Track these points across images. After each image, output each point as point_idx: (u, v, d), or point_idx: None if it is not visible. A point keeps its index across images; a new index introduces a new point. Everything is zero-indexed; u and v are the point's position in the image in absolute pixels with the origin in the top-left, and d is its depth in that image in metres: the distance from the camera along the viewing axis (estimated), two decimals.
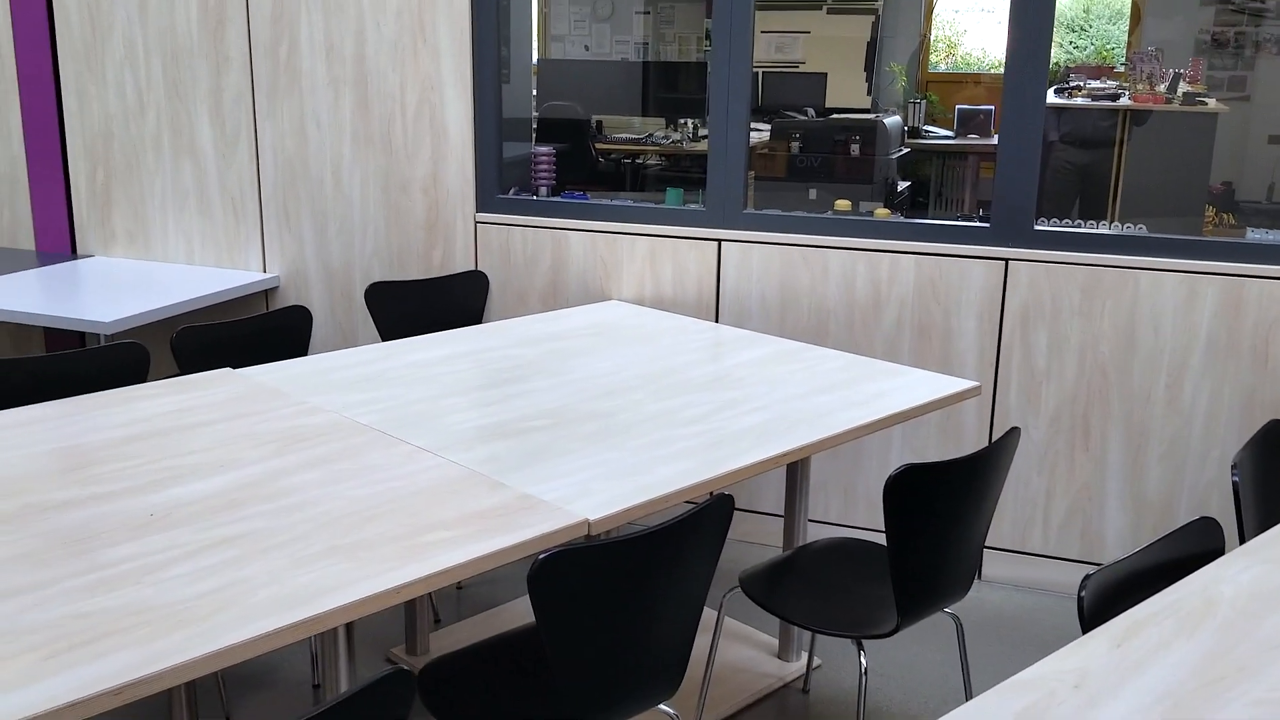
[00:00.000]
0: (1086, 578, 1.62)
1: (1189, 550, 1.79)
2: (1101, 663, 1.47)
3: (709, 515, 1.85)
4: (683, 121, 7.01)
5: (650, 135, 6.94)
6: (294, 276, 3.82)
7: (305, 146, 3.70)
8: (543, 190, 3.70)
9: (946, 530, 2.13)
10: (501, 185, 3.61)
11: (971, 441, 3.23)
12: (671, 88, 7.77)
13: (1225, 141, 6.73)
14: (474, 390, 2.49)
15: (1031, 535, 3.25)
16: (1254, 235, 2.94)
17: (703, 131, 6.74)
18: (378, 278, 3.68)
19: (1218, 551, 1.81)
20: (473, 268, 3.62)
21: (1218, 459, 3.01)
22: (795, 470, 2.74)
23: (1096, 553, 3.19)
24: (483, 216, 3.58)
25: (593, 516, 1.84)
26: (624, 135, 7.02)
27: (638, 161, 6.84)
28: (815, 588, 2.40)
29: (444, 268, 3.65)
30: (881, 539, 2.55)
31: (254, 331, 2.93)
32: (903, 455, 3.30)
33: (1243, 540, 2.05)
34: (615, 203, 3.54)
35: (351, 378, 2.54)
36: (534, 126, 4.01)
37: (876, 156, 5.70)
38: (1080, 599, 1.60)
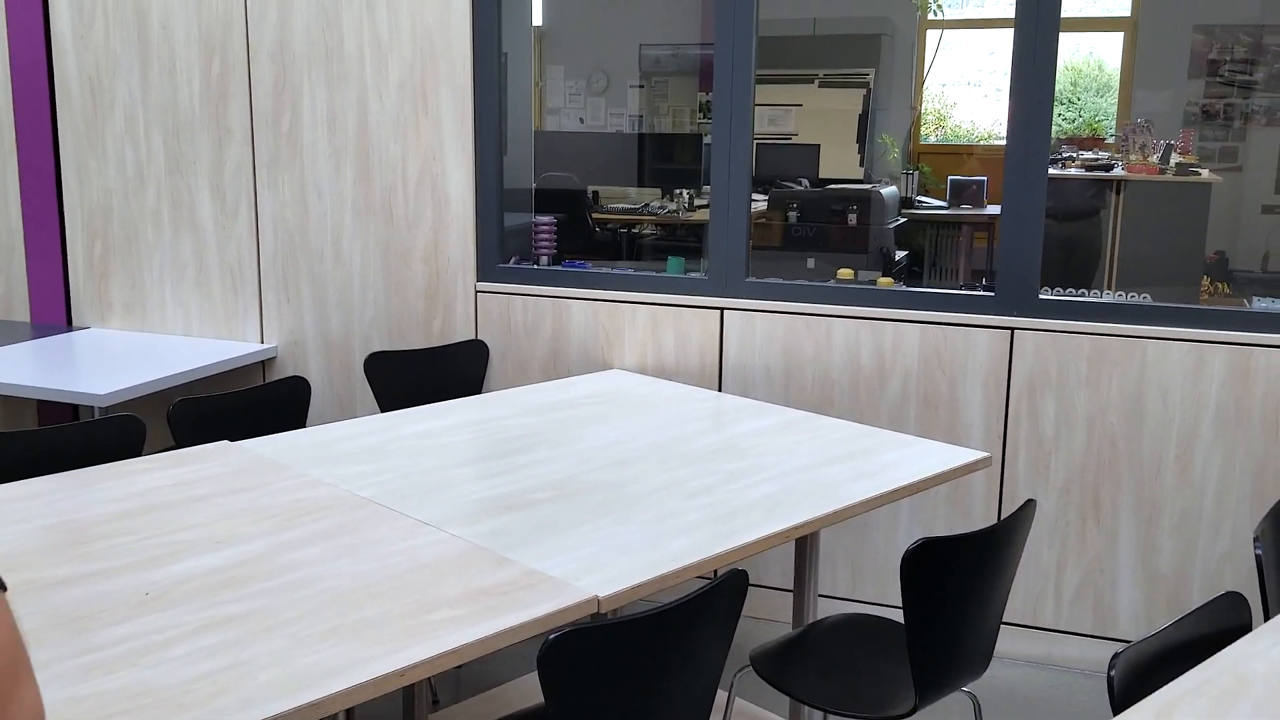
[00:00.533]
0: (1116, 656, 1.56)
1: (1217, 626, 1.74)
2: None
3: (722, 592, 1.80)
4: (678, 192, 7.05)
5: (647, 205, 6.98)
6: (292, 347, 3.79)
7: (306, 217, 3.70)
8: (544, 259, 3.68)
9: (964, 605, 2.07)
10: (502, 254, 3.60)
11: (980, 514, 3.18)
12: (667, 159, 7.83)
13: (1219, 211, 6.78)
14: (477, 461, 2.44)
15: (1044, 610, 3.19)
16: (1260, 304, 2.93)
17: (699, 201, 6.78)
18: (377, 347, 3.65)
19: (1245, 627, 1.76)
20: (473, 337, 3.60)
21: (1230, 531, 2.96)
22: (805, 543, 2.68)
23: (1110, 627, 3.12)
24: (483, 285, 3.57)
25: (602, 594, 1.78)
26: (620, 205, 7.06)
27: (634, 231, 6.86)
28: (829, 666, 2.33)
29: (444, 337, 3.62)
30: (892, 614, 2.49)
31: (251, 403, 2.89)
32: (911, 528, 3.25)
33: (1268, 615, 2.00)
34: (617, 271, 3.53)
35: (351, 449, 2.50)
36: (532, 197, 4.02)
37: (873, 226, 5.73)
38: (1110, 678, 1.55)
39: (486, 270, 3.57)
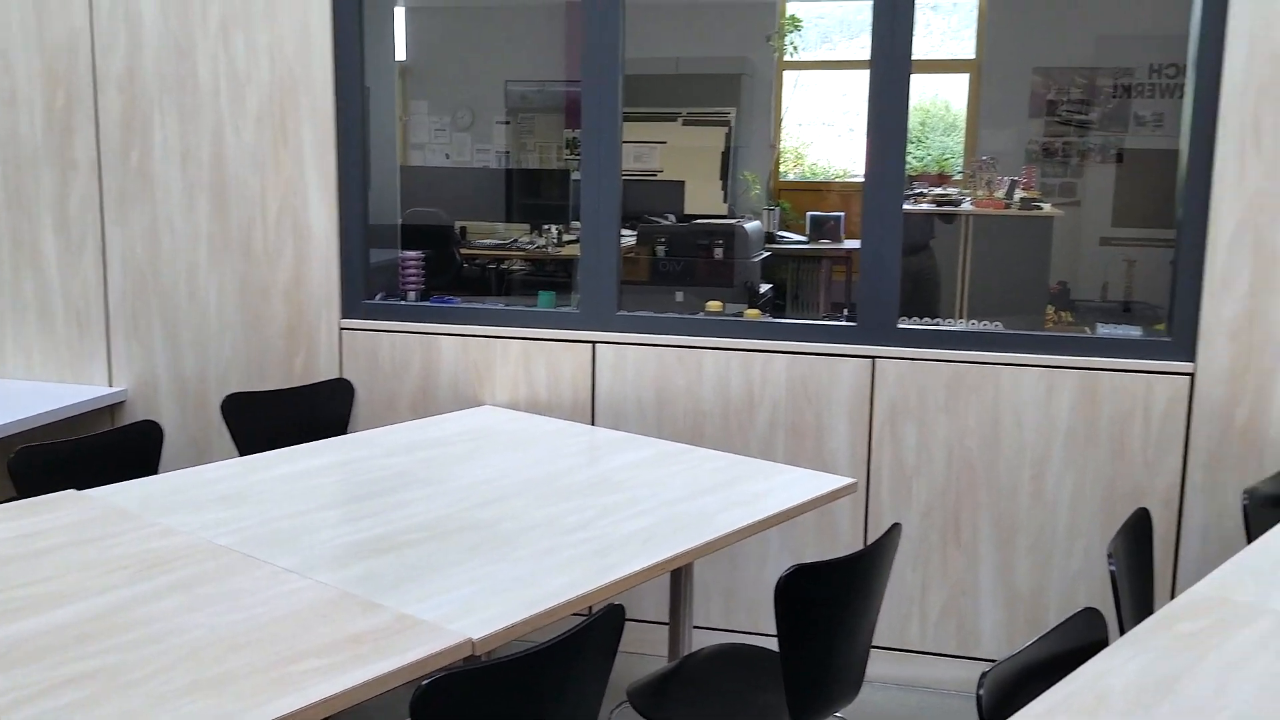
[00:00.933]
0: (983, 675, 1.60)
1: (1076, 642, 1.80)
2: None
3: (599, 628, 1.78)
4: (547, 227, 7.05)
5: (515, 240, 6.95)
6: (143, 389, 3.62)
7: (157, 253, 3.55)
8: (411, 295, 3.62)
9: (836, 629, 2.10)
10: (368, 290, 3.52)
11: (847, 539, 3.24)
12: (535, 194, 7.83)
13: (1060, 243, 7.14)
14: (343, 504, 2.37)
15: (909, 632, 3.26)
16: (1104, 330, 3.09)
17: (568, 236, 6.79)
18: (235, 388, 3.52)
19: (1103, 642, 1.83)
20: (338, 375, 3.50)
21: (1083, 549, 3.09)
22: (680, 575, 2.69)
23: (973, 647, 3.22)
24: (348, 322, 3.48)
25: (476, 635, 1.74)
26: (489, 241, 7.02)
27: (503, 266, 6.82)
28: (705, 697, 2.33)
29: (306, 376, 3.52)
30: (766, 642, 2.51)
31: (100, 449, 2.74)
32: (781, 556, 3.29)
33: (1122, 629, 2.08)
34: (487, 306, 3.50)
35: (208, 496, 2.39)
36: (398, 232, 3.96)
37: (739, 260, 5.83)
38: (979, 697, 1.58)
39: (351, 306, 3.49)
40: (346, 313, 3.49)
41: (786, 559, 3.28)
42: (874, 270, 3.15)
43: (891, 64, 3.06)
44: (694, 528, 2.25)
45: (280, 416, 3.20)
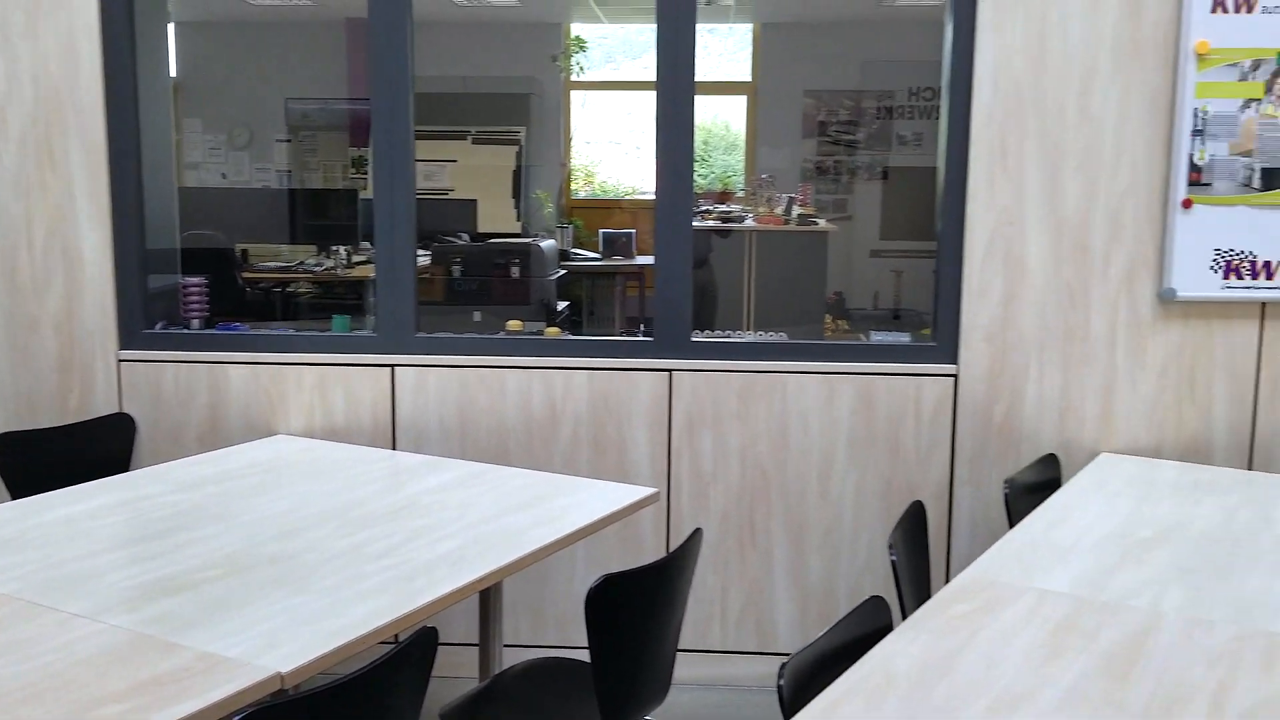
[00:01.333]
0: (783, 666, 1.71)
1: (864, 629, 1.94)
2: None
3: (412, 652, 1.78)
4: (335, 248, 6.89)
5: (301, 263, 6.76)
6: None
7: None
8: (195, 323, 3.48)
9: (645, 635, 2.17)
10: (147, 319, 3.36)
11: (650, 547, 3.34)
12: (320, 215, 7.64)
13: (835, 256, 7.55)
14: (131, 544, 2.27)
15: (711, 633, 3.38)
16: (877, 337, 3.31)
17: (357, 257, 6.66)
18: (4, 428, 3.29)
19: (888, 627, 1.98)
20: (117, 410, 3.33)
21: (867, 544, 3.29)
22: (489, 595, 2.70)
23: (770, 643, 3.37)
24: (126, 354, 3.32)
25: (285, 669, 1.71)
26: (273, 264, 6.79)
27: (289, 290, 6.62)
28: (519, 712, 2.35)
29: (83, 412, 3.33)
30: (575, 655, 2.56)
31: None
32: (588, 568, 3.35)
33: (904, 613, 2.25)
34: (278, 332, 3.40)
35: None
36: (178, 257, 3.80)
37: (535, 278, 5.88)
38: (780, 687, 1.68)
39: (130, 337, 3.33)
40: (125, 343, 3.32)
41: (593, 571, 3.34)
42: (668, 286, 3.26)
43: (677, 85, 3.19)
44: (502, 547, 2.28)
45: (55, 456, 3.01)
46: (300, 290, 6.63)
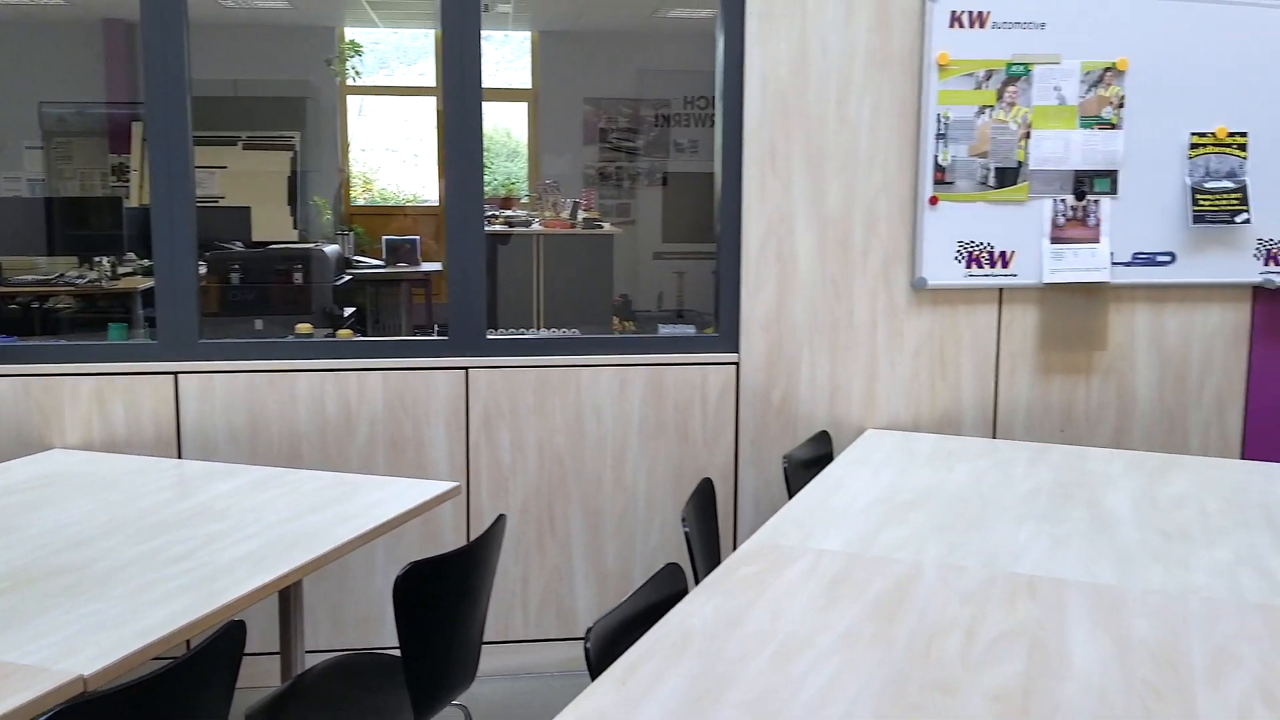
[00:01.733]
0: (589, 630, 1.81)
1: (662, 594, 2.07)
2: (612, 701, 1.66)
3: (219, 645, 1.79)
4: (98, 259, 6.54)
5: (62, 275, 6.38)
6: None
7: None
8: None
9: (454, 621, 2.24)
10: None
11: (451, 543, 3.38)
12: (80, 224, 7.21)
13: (621, 259, 7.77)
14: None
15: (513, 623, 3.46)
16: (666, 330, 3.48)
17: (123, 269, 6.34)
18: None
19: (683, 591, 2.12)
20: None
21: (660, 526, 3.46)
22: (289, 597, 2.68)
23: (572, 628, 3.48)
24: None
25: (87, 671, 1.68)
26: (29, 277, 6.38)
27: (48, 304, 6.24)
28: (325, 708, 2.36)
29: None
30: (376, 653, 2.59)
31: None
32: (388, 567, 3.37)
33: (698, 580, 2.40)
34: (53, 342, 3.25)
35: None
36: None
37: (318, 284, 5.79)
38: (587, 650, 1.79)
39: None
40: None
41: (394, 570, 3.36)
42: (462, 287, 3.32)
43: (464, 91, 3.25)
44: (303, 545, 2.29)
45: None
46: (60, 305, 6.26)
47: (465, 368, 3.32)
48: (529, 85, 9.07)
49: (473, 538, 3.39)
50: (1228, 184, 3.37)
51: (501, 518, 2.37)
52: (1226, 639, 1.86)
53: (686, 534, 2.36)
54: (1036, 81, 3.31)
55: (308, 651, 3.34)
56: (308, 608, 3.35)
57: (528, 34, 8.94)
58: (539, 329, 6.54)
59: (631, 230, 8.22)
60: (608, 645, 1.87)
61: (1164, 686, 1.69)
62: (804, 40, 3.29)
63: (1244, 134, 3.36)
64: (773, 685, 1.71)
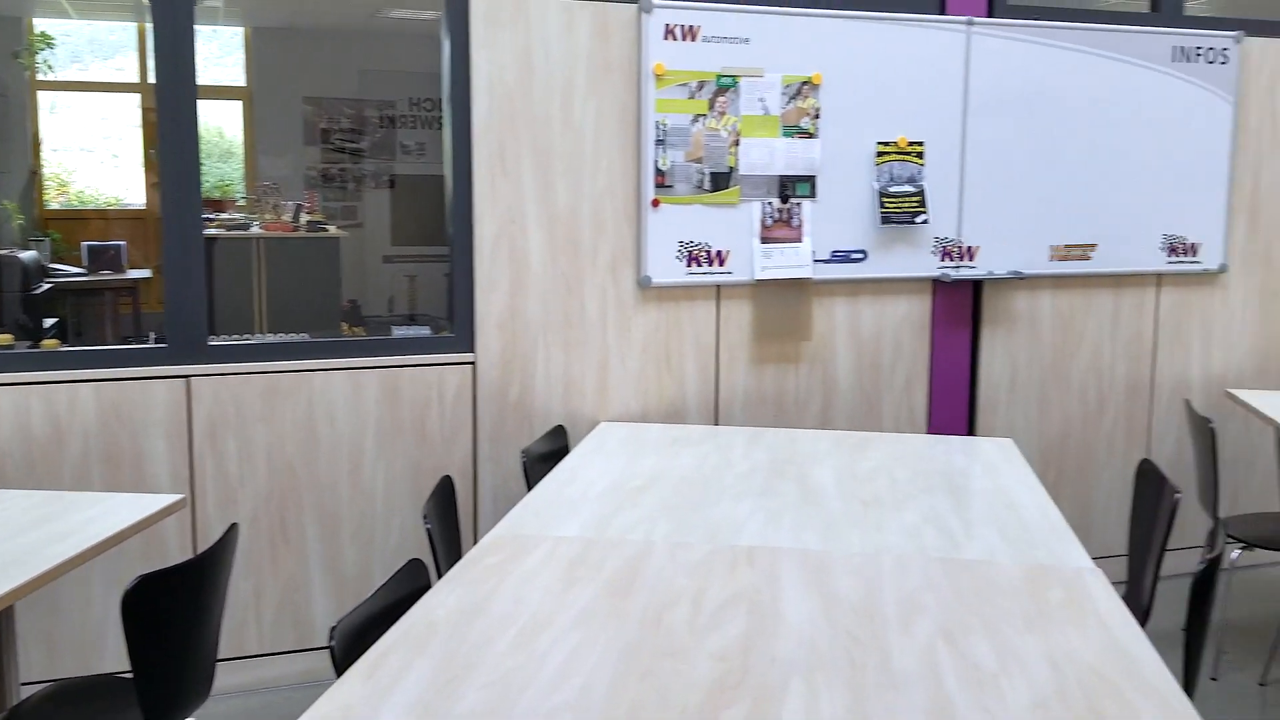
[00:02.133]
0: (333, 629, 1.83)
1: (406, 590, 2.11)
2: (360, 693, 1.69)
3: None
4: None
5: None
6: None
7: None
8: None
9: (187, 634, 2.17)
10: None
11: (177, 558, 3.24)
12: None
13: (350, 263, 7.61)
14: None
15: (247, 638, 3.36)
16: (399, 331, 3.48)
17: None
18: None
19: (427, 586, 2.16)
20: None
21: (399, 526, 3.46)
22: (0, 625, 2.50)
23: (309, 639, 3.42)
24: None
25: None
26: None
27: None
28: None
29: None
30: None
31: None
32: (106, 591, 3.18)
33: (440, 574, 2.45)
34: None
35: None
36: None
37: (9, 294, 5.34)
38: (332, 649, 1.80)
39: None
40: None
41: (112, 592, 3.18)
42: (180, 292, 3.19)
43: (178, 88, 3.13)
44: (12, 569, 2.15)
45: None
46: None
47: (186, 376, 3.19)
48: (243, 83, 8.70)
49: (198, 551, 3.27)
50: (909, 188, 3.76)
51: (234, 526, 2.32)
52: (913, 590, 2.11)
53: (429, 531, 2.40)
54: (743, 93, 3.56)
55: (22, 684, 3.11)
56: (19, 636, 3.12)
57: (240, 29, 8.57)
58: (264, 335, 6.31)
59: (359, 233, 8.07)
60: (353, 643, 1.89)
61: (863, 635, 1.90)
62: (528, 45, 3.39)
63: (921, 143, 3.75)
64: (516, 664, 1.78)
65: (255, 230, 6.78)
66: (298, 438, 3.32)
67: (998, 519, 2.54)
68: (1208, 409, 4.21)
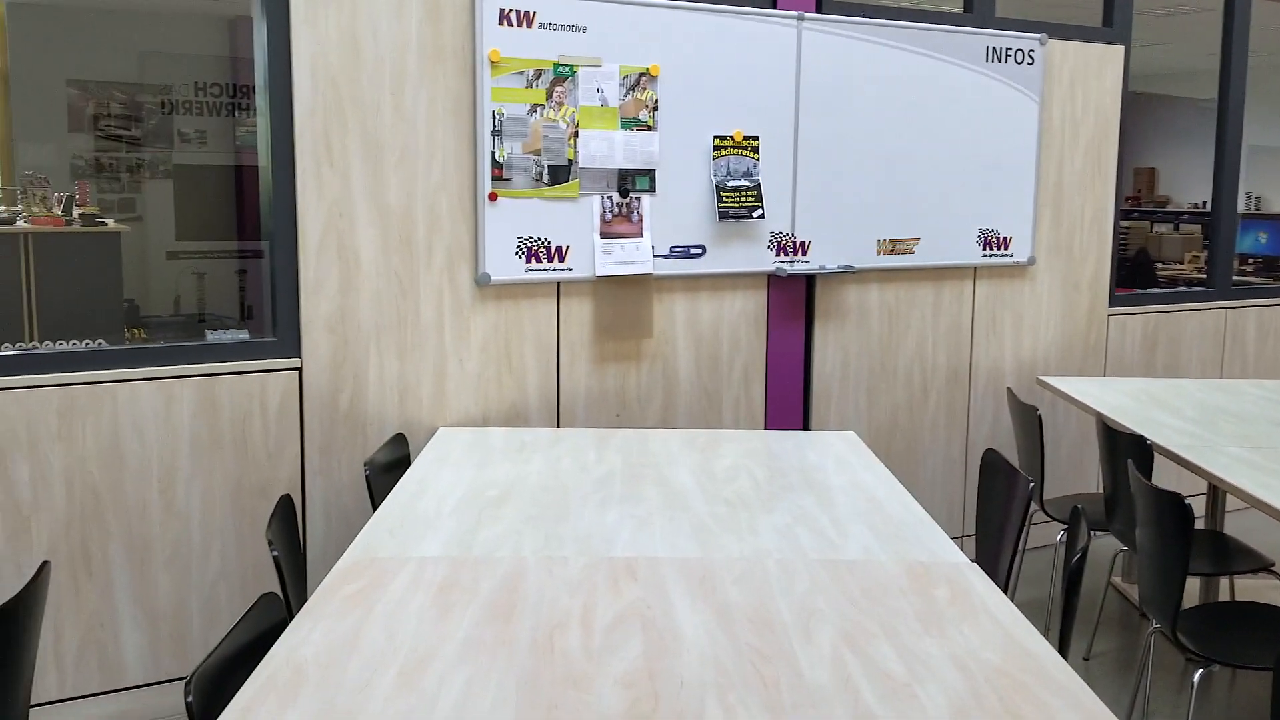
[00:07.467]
0: (188, 681, 1.60)
1: (262, 627, 1.89)
2: None
3: None
4: None
5: None
6: None
7: None
8: None
9: (3, 688, 1.88)
10: None
11: None
12: None
13: (130, 260, 7.01)
14: None
15: (46, 684, 3.00)
16: (214, 336, 3.17)
17: None
18: None
19: (284, 622, 1.95)
20: None
21: (219, 551, 3.16)
22: None
23: (119, 678, 3.08)
24: None
25: None
26: None
27: None
28: None
29: None
30: None
31: None
32: None
33: (290, 605, 2.22)
34: None
35: None
36: None
37: None
38: (189, 704, 1.58)
39: None
40: None
41: None
42: None
43: None
44: None
45: None
46: None
47: None
48: None
49: (30, 580, 2.89)
50: (745, 183, 3.74)
51: (45, 565, 2.02)
52: (804, 595, 2.06)
53: (275, 557, 2.17)
54: (581, 83, 3.44)
55: None
56: None
57: None
58: (38, 343, 5.71)
59: (140, 227, 7.45)
60: (212, 690, 1.66)
61: (766, 648, 1.83)
62: (354, 26, 3.15)
63: (756, 137, 3.75)
64: (405, 708, 1.62)
65: (21, 225, 6.13)
66: (101, 457, 2.97)
67: (864, 515, 2.54)
68: (1020, 394, 4.42)
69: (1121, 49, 4.44)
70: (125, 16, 7.57)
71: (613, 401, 3.67)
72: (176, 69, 7.56)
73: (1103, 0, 4.52)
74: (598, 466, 2.92)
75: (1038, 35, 4.20)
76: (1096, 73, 4.39)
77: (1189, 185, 14.02)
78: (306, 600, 2.03)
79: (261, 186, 3.19)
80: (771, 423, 3.97)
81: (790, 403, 3.99)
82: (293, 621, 1.91)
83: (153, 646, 3.11)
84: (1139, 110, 13.84)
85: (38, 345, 3.07)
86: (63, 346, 3.09)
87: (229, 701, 1.62)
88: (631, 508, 2.57)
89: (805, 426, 4.04)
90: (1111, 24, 4.47)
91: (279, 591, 1.96)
